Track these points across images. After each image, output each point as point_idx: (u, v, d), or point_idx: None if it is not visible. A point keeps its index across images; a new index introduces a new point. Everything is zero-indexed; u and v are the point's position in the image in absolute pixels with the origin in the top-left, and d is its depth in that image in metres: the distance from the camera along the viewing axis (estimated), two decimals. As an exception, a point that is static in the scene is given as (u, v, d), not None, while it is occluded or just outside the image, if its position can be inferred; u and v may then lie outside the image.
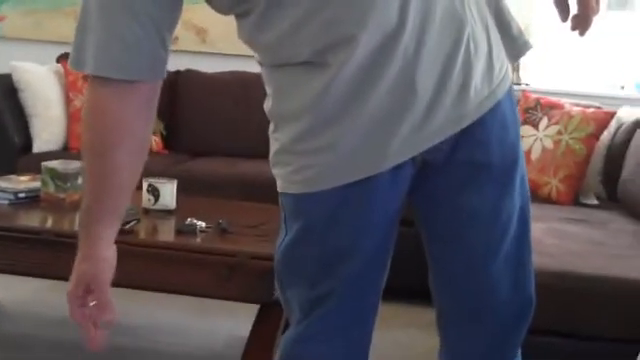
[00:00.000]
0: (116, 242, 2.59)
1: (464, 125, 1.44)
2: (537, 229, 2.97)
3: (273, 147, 1.50)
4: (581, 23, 1.42)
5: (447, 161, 1.47)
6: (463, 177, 1.48)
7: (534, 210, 3.42)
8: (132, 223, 2.76)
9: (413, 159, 1.45)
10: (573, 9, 1.41)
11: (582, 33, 1.46)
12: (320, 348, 1.54)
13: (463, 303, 1.57)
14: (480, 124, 1.45)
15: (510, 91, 1.52)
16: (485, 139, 1.47)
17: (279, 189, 1.51)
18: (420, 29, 1.37)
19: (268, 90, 1.49)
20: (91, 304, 1.47)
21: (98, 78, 1.40)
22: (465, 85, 1.42)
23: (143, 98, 1.43)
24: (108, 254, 1.49)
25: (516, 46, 1.56)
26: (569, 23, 1.40)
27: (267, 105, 1.50)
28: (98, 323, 1.47)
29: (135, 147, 1.45)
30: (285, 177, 1.49)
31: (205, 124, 4.61)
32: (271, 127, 1.51)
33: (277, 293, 1.65)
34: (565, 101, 4.05)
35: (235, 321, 3.33)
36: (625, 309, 2.37)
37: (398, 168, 1.45)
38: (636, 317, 2.31)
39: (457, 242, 1.52)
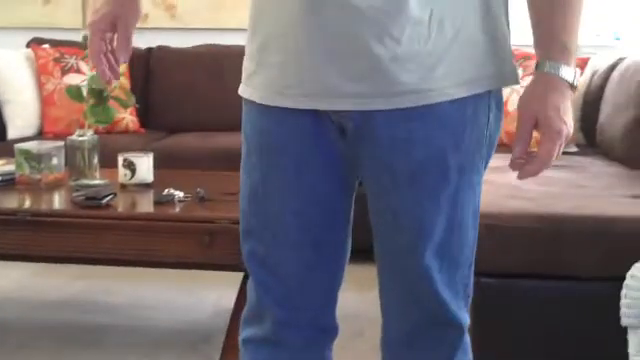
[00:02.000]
0: (92, 217, 2.62)
1: (368, 107, 1.31)
2: (515, 177, 2.96)
3: None
4: (528, 168, 1.38)
5: (363, 144, 1.36)
6: (377, 167, 1.38)
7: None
8: (109, 197, 2.74)
9: (329, 117, 1.36)
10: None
11: (520, 177, 1.41)
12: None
13: (387, 288, 1.50)
14: (404, 117, 1.32)
15: (478, 99, 1.43)
16: (404, 135, 1.33)
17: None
18: None
19: None
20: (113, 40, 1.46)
21: None
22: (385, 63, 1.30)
23: None
24: None
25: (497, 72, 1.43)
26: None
27: None
28: (112, 62, 1.46)
29: None
30: (243, 80, 1.46)
31: (180, 100, 4.58)
32: None
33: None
34: (538, 52, 4.01)
35: (219, 293, 3.33)
36: (605, 246, 2.36)
37: (316, 116, 1.36)
38: (615, 255, 2.31)
39: (378, 234, 1.45)
